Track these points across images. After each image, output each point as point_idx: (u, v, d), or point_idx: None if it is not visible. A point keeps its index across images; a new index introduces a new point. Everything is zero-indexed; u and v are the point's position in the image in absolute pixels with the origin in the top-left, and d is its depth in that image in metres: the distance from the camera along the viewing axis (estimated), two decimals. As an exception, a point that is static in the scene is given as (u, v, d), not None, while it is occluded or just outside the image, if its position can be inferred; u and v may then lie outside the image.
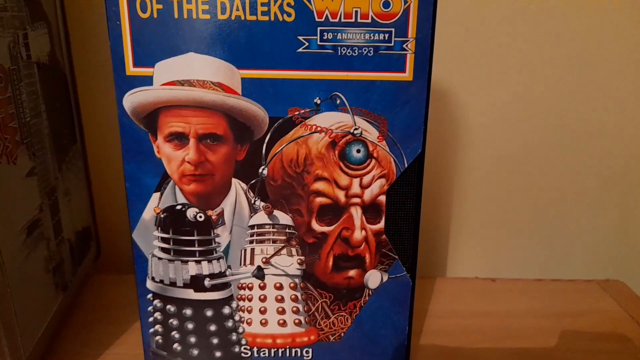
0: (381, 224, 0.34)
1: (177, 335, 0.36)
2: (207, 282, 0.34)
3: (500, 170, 0.55)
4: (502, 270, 0.58)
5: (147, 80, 0.30)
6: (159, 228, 0.33)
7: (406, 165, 0.33)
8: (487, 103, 0.53)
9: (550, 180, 0.56)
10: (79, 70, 0.49)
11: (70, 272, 0.45)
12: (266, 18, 0.29)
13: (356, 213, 0.33)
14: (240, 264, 0.34)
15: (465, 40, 0.51)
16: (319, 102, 0.31)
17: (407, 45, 0.30)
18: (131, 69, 0.30)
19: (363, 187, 0.33)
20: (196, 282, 0.34)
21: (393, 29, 0.30)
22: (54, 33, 0.44)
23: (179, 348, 0.36)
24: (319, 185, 0.33)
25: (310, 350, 0.37)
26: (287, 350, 0.36)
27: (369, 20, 0.30)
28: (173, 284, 0.34)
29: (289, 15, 0.29)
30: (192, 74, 0.30)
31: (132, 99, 0.31)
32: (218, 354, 0.36)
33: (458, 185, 0.56)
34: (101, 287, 0.51)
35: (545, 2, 0.50)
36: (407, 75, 0.31)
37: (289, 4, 0.29)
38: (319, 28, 0.30)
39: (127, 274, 0.55)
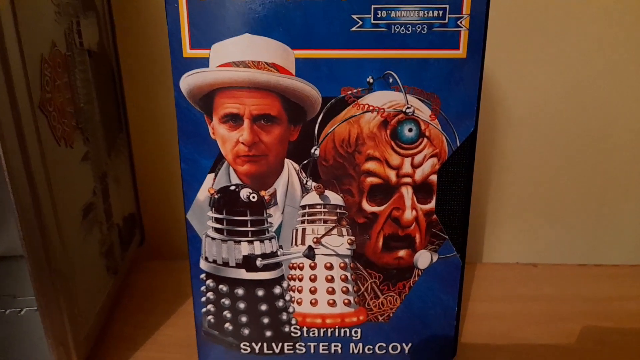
0: (432, 204, 0.34)
1: (228, 315, 0.37)
2: (259, 262, 0.35)
3: (541, 154, 0.54)
4: (543, 255, 0.57)
5: (204, 62, 0.31)
6: (213, 208, 0.34)
7: (458, 144, 0.32)
8: (533, 87, 0.52)
9: (593, 164, 0.55)
10: (122, 60, 0.50)
11: (119, 256, 0.46)
12: (321, -3, 0.29)
13: (407, 193, 0.33)
14: (292, 244, 0.35)
15: (515, 20, 0.50)
16: (371, 81, 0.31)
17: (461, 22, 0.30)
18: (188, 51, 0.31)
19: (414, 167, 0.33)
20: (248, 262, 0.35)
21: (447, 6, 0.30)
22: (101, 23, 0.45)
23: (230, 327, 0.37)
24: (370, 165, 0.33)
25: (359, 330, 0.37)
26: (336, 330, 0.37)
27: (423, -2, 0.30)
28: (226, 264, 0.35)
29: (344, -6, 0.29)
30: (247, 55, 0.31)
31: (189, 81, 0.31)
32: (268, 333, 0.37)
33: (498, 170, 0.55)
34: (147, 272, 0.52)
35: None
36: (461, 52, 0.31)
37: (343, -17, 0.29)
38: (372, 6, 0.30)
39: (170, 259, 0.57)
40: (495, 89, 0.52)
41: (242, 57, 0.31)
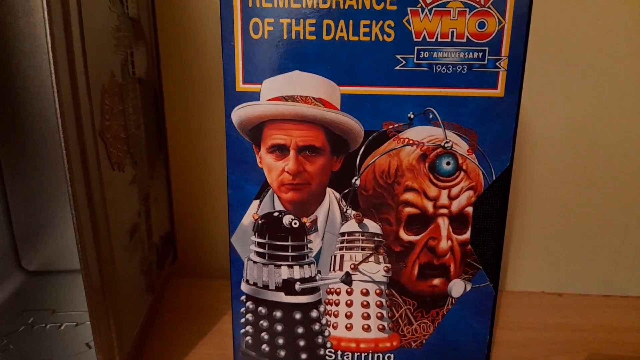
0: (467, 235, 0.35)
1: (266, 337, 0.38)
2: (297, 286, 0.36)
3: (567, 184, 0.55)
4: (568, 285, 0.57)
5: (255, 96, 0.33)
6: (256, 233, 0.36)
7: (494, 178, 0.34)
8: (556, 118, 0.53)
9: (618, 195, 0.55)
10: (164, 84, 0.53)
11: (156, 274, 0.48)
12: (367, 38, 0.31)
13: (443, 223, 0.35)
14: (330, 270, 0.36)
15: (539, 56, 0.52)
16: (412, 116, 0.33)
17: (500, 63, 0.32)
18: (241, 85, 0.33)
19: (451, 199, 0.34)
20: (287, 286, 0.36)
21: (487, 48, 0.31)
22: (149, 51, 0.47)
23: (267, 349, 0.38)
24: (409, 196, 0.34)
25: (392, 355, 0.38)
26: (370, 354, 0.38)
27: (464, 40, 0.31)
28: (266, 286, 0.36)
29: (389, 35, 0.31)
30: (296, 90, 0.33)
31: (240, 113, 0.33)
32: (304, 355, 0.38)
33: (524, 199, 0.56)
34: (180, 290, 0.54)
35: (621, 27, 0.50)
36: (499, 91, 0.32)
37: (389, 26, 0.31)
38: (416, 47, 0.32)
39: (199, 277, 0.58)
40: (522, 120, 0.53)
41: (291, 92, 0.33)
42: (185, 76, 0.55)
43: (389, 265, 0.36)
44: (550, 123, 0.54)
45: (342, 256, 0.36)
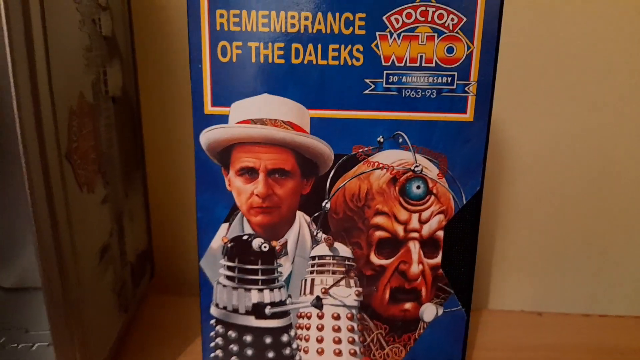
0: (438, 259, 0.35)
1: (236, 360, 0.37)
2: (267, 310, 0.36)
3: (546, 202, 0.55)
4: (548, 304, 0.57)
5: (223, 119, 0.32)
6: (226, 257, 0.35)
7: (464, 202, 0.34)
8: (536, 135, 0.53)
9: (599, 213, 0.55)
10: (142, 97, 0.52)
11: (131, 293, 0.47)
12: (336, 62, 0.31)
13: (414, 247, 0.34)
14: (300, 294, 0.36)
15: (514, 76, 0.52)
16: (382, 140, 0.33)
17: (469, 88, 0.32)
18: (209, 108, 0.32)
19: (422, 222, 0.34)
20: (258, 310, 0.36)
21: (456, 73, 0.31)
22: (125, 68, 0.47)
23: (237, 373, 0.37)
24: (379, 220, 0.34)
25: (364, 380, 0.37)
26: (342, 379, 0.37)
27: (433, 65, 0.31)
28: (235, 310, 0.36)
29: (358, 59, 0.31)
30: (265, 113, 0.32)
31: (209, 136, 0.33)
32: (275, 380, 0.37)
33: (503, 217, 0.56)
34: (156, 308, 0.53)
35: (597, 42, 0.51)
36: (468, 116, 0.32)
37: (358, 50, 0.31)
38: (385, 72, 0.31)
39: (178, 294, 0.58)
40: (500, 137, 0.53)
41: (260, 115, 0.32)
42: (164, 91, 0.55)
43: (360, 289, 0.35)
44: (529, 141, 0.54)
45: (312, 280, 0.35)
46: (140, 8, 0.51)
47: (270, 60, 0.31)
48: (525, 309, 0.55)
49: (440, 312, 0.36)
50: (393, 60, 0.31)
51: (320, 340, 0.36)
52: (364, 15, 0.31)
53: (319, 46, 0.31)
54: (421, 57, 0.31)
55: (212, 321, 0.37)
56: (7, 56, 0.28)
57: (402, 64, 0.31)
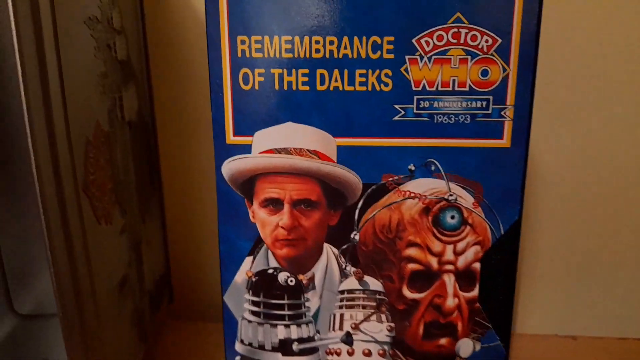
0: (475, 292, 0.33)
1: (262, 399, 0.36)
2: (295, 347, 0.34)
3: (578, 220, 0.53)
4: (583, 327, 0.55)
5: (246, 148, 0.31)
6: (250, 291, 0.34)
7: (502, 232, 0.32)
8: (565, 151, 0.51)
9: (631, 233, 0.53)
10: (158, 121, 0.51)
11: (149, 321, 0.46)
12: (364, 88, 0.30)
13: (449, 280, 0.33)
14: (329, 329, 0.34)
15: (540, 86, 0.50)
16: (413, 168, 0.31)
17: (505, 113, 0.30)
18: (231, 138, 0.31)
19: (457, 254, 0.32)
20: (284, 346, 0.34)
21: (491, 97, 0.29)
22: (140, 91, 0.46)
23: (263, 411, 0.36)
24: (411, 252, 0.32)
25: (396, 418, 0.35)
26: (373, 417, 0.35)
27: (467, 89, 0.29)
28: (261, 347, 0.34)
29: (386, 85, 0.30)
30: (289, 142, 0.31)
31: (231, 166, 0.31)
32: (302, 419, 0.36)
33: (535, 238, 0.54)
34: (176, 336, 0.51)
35: (623, 52, 0.48)
36: (504, 142, 0.30)
37: (386, 75, 0.29)
38: (415, 97, 0.30)
39: (198, 320, 0.56)
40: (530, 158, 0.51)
41: (285, 144, 0.31)
42: (180, 114, 0.53)
43: (392, 324, 0.33)
44: (559, 153, 0.51)
45: (342, 315, 0.34)
46: (155, 30, 0.50)
47: (294, 87, 0.30)
48: (559, 333, 0.52)
49: (478, 347, 0.34)
50: (424, 84, 0.29)
51: (349, 378, 0.35)
52: (392, 38, 0.29)
53: (345, 72, 0.29)
54: (454, 80, 0.29)
55: (237, 358, 0.35)
56: (21, 88, 0.27)
57: (434, 89, 0.29)
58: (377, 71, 0.29)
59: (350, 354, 0.34)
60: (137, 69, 0.45)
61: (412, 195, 0.31)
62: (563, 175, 0.51)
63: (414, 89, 0.29)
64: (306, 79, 0.30)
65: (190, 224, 0.56)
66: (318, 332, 0.34)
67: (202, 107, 0.52)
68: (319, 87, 0.30)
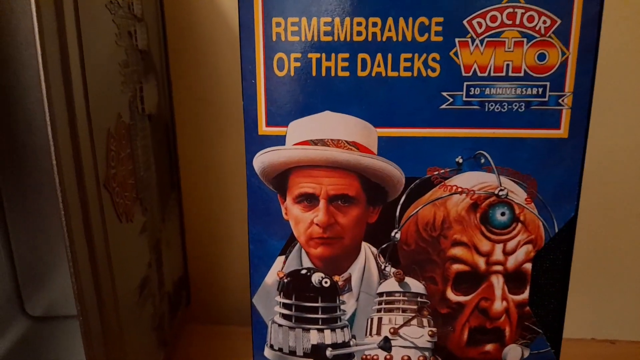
0: (525, 295, 0.30)
1: (292, 408, 0.33)
2: (329, 353, 0.32)
3: (617, 222, 0.50)
4: (621, 331, 0.52)
5: (279, 140, 0.29)
6: (282, 293, 0.31)
7: (556, 230, 0.29)
8: (605, 150, 0.49)
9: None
10: (177, 116, 0.49)
11: (168, 326, 0.44)
12: (409, 74, 0.27)
13: (497, 282, 0.30)
14: (366, 334, 0.32)
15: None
16: (461, 161, 0.29)
17: (563, 100, 0.27)
18: (263, 129, 0.29)
19: (506, 254, 0.30)
20: (317, 352, 0.32)
21: (548, 83, 0.27)
22: (159, 83, 0.44)
23: (293, 421, 0.33)
24: (457, 251, 0.30)
25: None
26: None
27: (522, 74, 0.27)
28: (292, 352, 0.32)
29: (434, 70, 0.27)
30: (326, 133, 0.28)
31: (263, 159, 0.29)
32: None
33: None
34: (195, 340, 0.49)
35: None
36: (562, 132, 0.28)
37: (434, 59, 0.27)
38: (465, 83, 0.27)
39: (218, 323, 0.54)
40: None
41: (322, 135, 0.29)
42: (200, 109, 0.51)
43: (434, 329, 0.31)
44: (596, 155, 0.49)
45: (380, 319, 0.31)
46: (174, 19, 0.48)
47: (332, 73, 0.28)
48: (596, 337, 0.50)
49: (527, 354, 0.31)
50: (475, 69, 0.27)
51: (387, 386, 0.32)
52: (441, 19, 0.27)
53: (389, 56, 0.27)
54: (507, 65, 0.27)
55: (266, 365, 0.33)
56: (41, 75, 0.25)
57: (486, 74, 0.27)
58: (424, 55, 0.27)
59: (389, 361, 0.32)
60: (157, 61, 0.43)
61: (459, 190, 0.29)
62: (602, 175, 0.49)
63: (463, 74, 0.27)
64: (346, 64, 0.27)
65: (208, 224, 0.54)
66: (354, 337, 0.32)
67: (221, 102, 0.50)
68: (360, 73, 0.27)
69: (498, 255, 0.30)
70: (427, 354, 0.32)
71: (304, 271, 0.31)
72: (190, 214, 0.52)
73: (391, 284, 0.31)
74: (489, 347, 0.31)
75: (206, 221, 0.54)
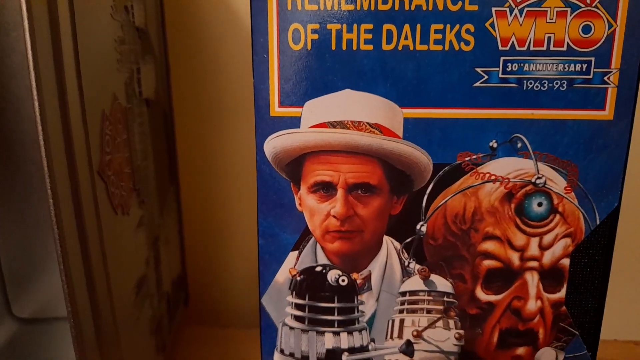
0: (561, 293, 0.28)
1: (304, 418, 0.30)
2: (345, 358, 0.29)
3: (636, 216, 0.48)
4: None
5: (294, 122, 0.26)
6: (294, 292, 0.28)
7: (598, 223, 0.27)
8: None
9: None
10: (175, 105, 0.46)
11: (167, 329, 0.41)
12: (439, 47, 0.25)
13: (532, 279, 0.27)
14: (387, 337, 0.29)
15: None
16: (495, 145, 0.26)
17: (609, 78, 0.25)
18: (276, 109, 0.26)
19: (542, 249, 0.27)
20: (332, 357, 0.29)
21: (593, 59, 0.24)
22: (158, 67, 0.41)
23: None
24: (489, 246, 0.27)
25: None
26: None
27: (564, 48, 0.24)
28: (305, 358, 0.29)
29: (467, 43, 0.24)
30: (346, 114, 0.26)
31: (275, 144, 0.26)
32: None
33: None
34: (194, 343, 0.46)
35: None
36: (606, 113, 0.25)
37: (468, 31, 0.24)
38: (502, 58, 0.25)
39: (217, 326, 0.51)
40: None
41: (341, 117, 0.26)
42: (200, 95, 0.48)
43: (461, 331, 0.28)
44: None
45: (402, 320, 0.29)
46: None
47: (354, 47, 0.25)
48: (619, 338, 0.48)
49: (561, 358, 0.29)
50: (513, 43, 0.24)
51: (409, 394, 0.30)
52: (476, -14, 0.24)
53: (418, 27, 0.24)
54: (549, 38, 0.24)
55: (276, 371, 0.30)
56: (28, 47, 0.22)
57: (525, 48, 0.24)
58: (457, 26, 0.24)
59: (411, 366, 0.29)
60: (155, 43, 0.40)
61: (493, 178, 0.26)
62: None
63: (500, 48, 0.24)
64: (370, 36, 0.25)
65: (209, 220, 0.51)
66: (373, 340, 0.29)
67: (226, 86, 0.47)
68: (384, 47, 0.25)
69: (533, 250, 0.27)
70: (453, 358, 0.29)
71: (319, 268, 0.28)
72: (189, 209, 0.49)
73: (415, 282, 0.28)
74: (520, 350, 0.29)
75: (206, 217, 0.51)
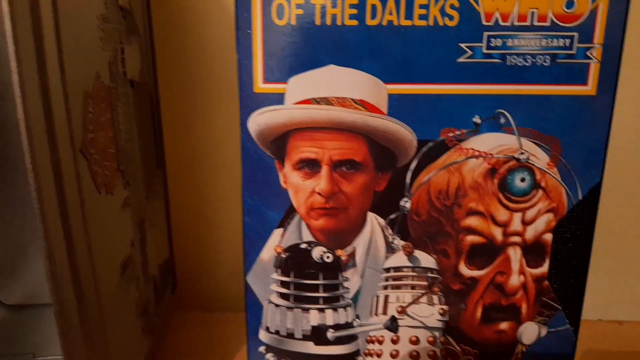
0: (544, 268, 0.28)
1: (291, 395, 0.31)
2: (330, 334, 0.29)
3: (625, 200, 0.48)
4: (630, 312, 0.50)
5: (278, 98, 0.26)
6: (279, 270, 0.29)
7: (580, 198, 0.27)
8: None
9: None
10: (161, 88, 0.46)
11: (154, 313, 0.41)
12: (424, 23, 0.25)
13: (514, 254, 0.28)
14: (371, 313, 0.29)
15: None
16: (479, 121, 0.26)
17: (591, 53, 0.25)
18: (260, 86, 0.26)
19: (525, 224, 0.27)
20: (318, 334, 0.29)
21: (576, 34, 0.25)
22: (142, 49, 0.40)
23: (292, 409, 0.31)
24: (472, 221, 0.27)
25: (446, 415, 0.31)
26: (419, 415, 0.31)
27: (548, 23, 0.25)
28: (290, 335, 0.29)
29: (451, 18, 0.25)
30: (330, 90, 0.26)
31: (260, 120, 0.26)
32: (338, 417, 0.31)
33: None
34: (182, 327, 0.46)
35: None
36: (589, 88, 0.25)
37: (452, 6, 0.24)
38: (485, 33, 0.25)
39: (206, 310, 0.51)
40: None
41: (325, 93, 0.26)
42: (185, 77, 0.48)
43: (445, 307, 0.29)
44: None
45: (386, 297, 0.29)
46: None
47: (339, 22, 0.25)
48: (604, 317, 0.48)
49: (544, 332, 0.29)
50: (496, 18, 0.24)
51: (394, 370, 0.30)
52: (459, -40, 0.24)
53: (402, 2, 0.24)
54: (532, 13, 0.24)
55: (262, 348, 0.30)
56: (6, 23, 0.22)
57: (508, 23, 0.25)
58: (441, 1, 0.24)
59: (395, 341, 0.29)
60: (139, 23, 0.40)
61: (476, 153, 0.26)
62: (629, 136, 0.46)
63: (484, 23, 0.25)
64: (354, 11, 0.24)
65: (195, 205, 0.51)
66: (358, 317, 0.29)
67: (209, 74, 0.47)
68: (369, 22, 0.25)
69: (516, 225, 0.27)
70: (437, 334, 0.29)
71: (303, 245, 0.28)
72: (176, 195, 0.49)
73: (399, 259, 0.28)
74: (503, 325, 0.29)
75: (193, 203, 0.50)
